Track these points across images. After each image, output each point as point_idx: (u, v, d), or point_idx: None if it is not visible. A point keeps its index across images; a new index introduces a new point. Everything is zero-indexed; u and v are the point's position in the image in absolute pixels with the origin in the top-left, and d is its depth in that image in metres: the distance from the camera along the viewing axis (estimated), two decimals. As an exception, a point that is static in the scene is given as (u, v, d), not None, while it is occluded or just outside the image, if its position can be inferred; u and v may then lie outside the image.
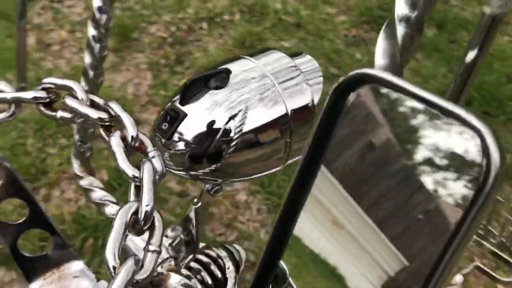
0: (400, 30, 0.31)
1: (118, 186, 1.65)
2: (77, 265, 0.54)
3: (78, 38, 2.12)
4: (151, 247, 0.35)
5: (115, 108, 0.41)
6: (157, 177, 0.38)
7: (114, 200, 0.62)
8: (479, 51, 0.31)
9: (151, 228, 0.35)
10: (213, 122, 0.48)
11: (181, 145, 0.49)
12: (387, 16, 2.44)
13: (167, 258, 0.53)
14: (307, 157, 0.28)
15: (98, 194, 0.61)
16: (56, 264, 0.53)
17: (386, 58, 0.31)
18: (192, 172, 0.52)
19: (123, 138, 0.40)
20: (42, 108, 0.46)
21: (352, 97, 0.26)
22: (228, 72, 0.49)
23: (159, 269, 0.52)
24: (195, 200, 0.57)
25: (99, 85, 0.60)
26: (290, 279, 0.41)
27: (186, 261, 0.57)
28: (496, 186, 0.21)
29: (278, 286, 0.42)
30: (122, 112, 0.41)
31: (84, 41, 2.15)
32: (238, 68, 0.51)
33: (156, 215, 0.36)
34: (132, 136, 0.40)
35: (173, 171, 0.52)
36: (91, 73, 0.59)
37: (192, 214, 0.57)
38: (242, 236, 1.57)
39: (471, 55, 0.31)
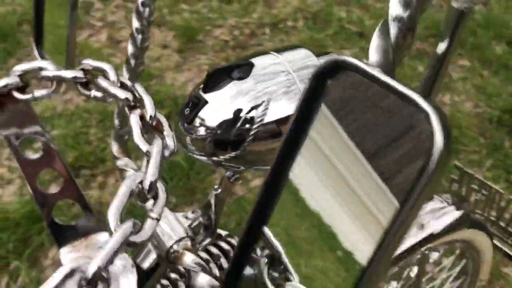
0: (394, 28, 0.32)
1: (170, 180, 1.71)
2: (103, 237, 0.58)
3: (146, 37, 2.22)
4: (153, 215, 0.38)
5: (139, 90, 0.45)
6: (167, 153, 0.41)
7: None
8: (448, 44, 0.32)
9: (155, 198, 0.38)
10: (235, 110, 0.51)
11: (202, 131, 0.52)
12: (454, 31, 2.34)
13: (184, 238, 0.56)
14: (289, 137, 0.30)
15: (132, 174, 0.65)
16: (85, 234, 0.57)
17: (380, 55, 0.32)
18: (214, 158, 0.55)
19: (142, 117, 0.43)
20: (79, 87, 0.50)
21: (330, 82, 0.28)
22: (251, 65, 0.52)
23: (175, 247, 0.56)
24: (216, 186, 0.60)
25: (139, 73, 0.64)
26: (286, 261, 0.42)
27: (204, 244, 0.60)
28: (440, 166, 0.22)
29: (274, 268, 0.44)
30: (144, 94, 0.44)
31: (152, 40, 2.25)
32: (262, 62, 0.54)
33: (161, 186, 0.39)
34: (150, 116, 0.43)
35: (196, 156, 0.56)
36: (132, 62, 0.63)
37: (212, 200, 0.59)
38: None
39: (441, 47, 0.32)
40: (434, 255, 1.13)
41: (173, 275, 0.64)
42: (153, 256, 0.59)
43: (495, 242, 1.18)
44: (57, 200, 0.57)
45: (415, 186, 0.22)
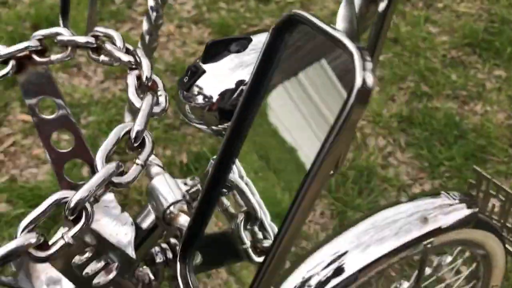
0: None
1: (195, 169, 1.76)
2: (109, 197, 0.62)
3: (183, 33, 2.29)
4: (138, 161, 0.42)
5: (139, 53, 0.49)
6: (158, 110, 0.45)
7: (161, 164, 0.70)
8: (388, 3, 0.34)
9: (142, 146, 0.42)
10: (236, 81, 0.55)
11: (200, 99, 0.55)
12: (492, 41, 2.33)
13: (180, 200, 0.60)
14: (252, 83, 0.33)
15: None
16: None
17: (346, 23, 0.35)
18: (213, 127, 0.58)
19: (139, 78, 0.47)
20: (90, 52, 0.55)
21: (287, 36, 0.31)
22: (249, 39, 0.55)
23: (171, 208, 0.59)
24: (215, 156, 0.63)
25: (153, 48, 0.69)
26: (263, 218, 0.45)
27: (200, 210, 0.63)
28: (358, 100, 0.25)
29: (251, 224, 0.47)
30: (143, 57, 0.48)
31: (189, 36, 2.32)
32: (262, 39, 0.57)
33: (148, 137, 0.42)
34: (146, 76, 0.47)
35: (195, 124, 0.59)
36: (147, 37, 0.67)
37: (210, 169, 0.63)
38: (301, 235, 1.61)
39: (382, 6, 0.34)
40: (446, 258, 1.13)
41: (172, 240, 0.68)
42: (151, 218, 0.63)
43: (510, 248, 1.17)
44: (68, 158, 0.62)
45: (339, 116, 0.25)
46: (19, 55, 0.56)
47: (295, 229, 0.30)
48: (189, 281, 0.38)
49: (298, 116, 0.31)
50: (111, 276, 0.51)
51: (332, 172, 0.38)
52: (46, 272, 0.57)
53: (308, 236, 1.60)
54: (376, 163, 1.80)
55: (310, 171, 0.27)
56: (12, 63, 0.56)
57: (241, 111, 0.34)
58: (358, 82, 0.24)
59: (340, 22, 0.36)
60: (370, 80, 0.24)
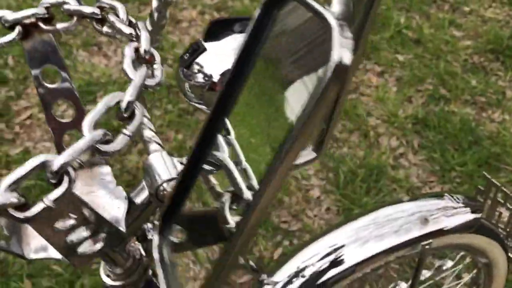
0: None
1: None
2: (105, 169, 0.63)
3: (206, 20, 2.29)
4: (126, 131, 0.42)
5: (140, 26, 0.49)
6: (153, 83, 0.45)
7: (160, 142, 0.70)
8: None
9: (131, 117, 0.42)
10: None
11: (199, 77, 0.55)
12: (517, 48, 2.25)
13: (174, 178, 0.60)
14: (239, 59, 0.33)
15: (149, 133, 0.70)
16: (90, 165, 0.62)
17: (342, 5, 0.35)
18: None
19: (137, 50, 0.47)
20: (94, 23, 0.55)
21: (276, 12, 0.31)
22: (253, 21, 0.55)
23: (165, 185, 0.59)
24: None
25: (161, 26, 0.69)
26: (249, 197, 0.45)
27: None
28: (335, 79, 0.24)
29: (237, 204, 0.47)
30: (143, 30, 0.48)
31: (210, 23, 2.32)
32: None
33: (138, 108, 0.42)
34: (144, 49, 0.47)
35: (194, 104, 0.59)
36: (155, 15, 0.67)
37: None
38: (305, 228, 1.60)
39: None
40: (447, 263, 1.11)
41: (166, 218, 0.68)
42: (145, 194, 0.63)
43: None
44: (68, 128, 0.63)
45: (315, 92, 0.24)
46: (26, 21, 0.57)
47: (264, 204, 0.29)
48: (164, 253, 0.38)
49: (293, 94, 0.30)
50: (98, 246, 0.52)
51: (315, 154, 0.38)
52: (37, 239, 0.58)
53: (312, 231, 1.59)
54: (387, 163, 1.78)
55: (281, 150, 0.26)
56: (18, 29, 0.56)
57: (227, 86, 0.34)
58: (334, 58, 0.24)
59: (336, 4, 0.35)
60: (347, 57, 0.24)
